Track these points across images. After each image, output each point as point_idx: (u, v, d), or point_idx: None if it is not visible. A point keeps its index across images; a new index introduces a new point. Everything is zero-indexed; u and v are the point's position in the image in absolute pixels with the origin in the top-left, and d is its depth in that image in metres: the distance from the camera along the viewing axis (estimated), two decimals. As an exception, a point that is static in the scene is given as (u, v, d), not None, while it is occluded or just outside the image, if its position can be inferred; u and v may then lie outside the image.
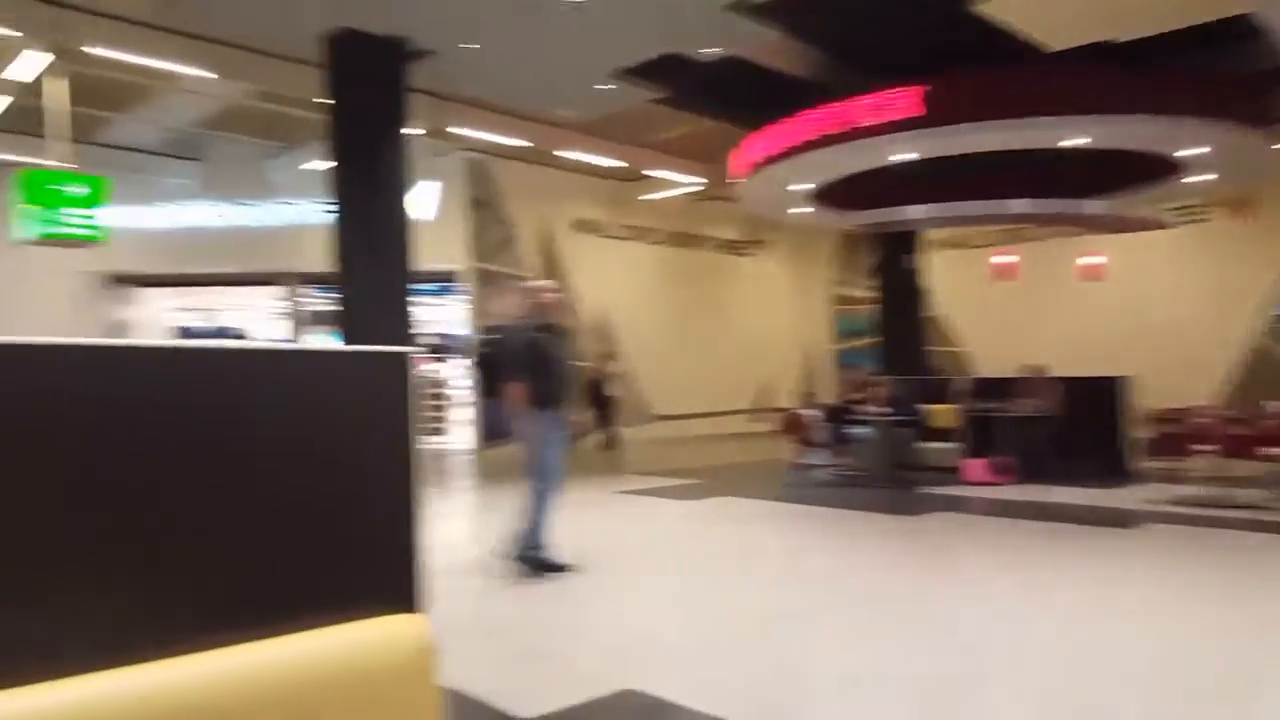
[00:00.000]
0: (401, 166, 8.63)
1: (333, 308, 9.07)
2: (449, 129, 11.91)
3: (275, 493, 1.13)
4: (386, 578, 1.24)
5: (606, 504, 8.43)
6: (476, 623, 4.49)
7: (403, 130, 8.71)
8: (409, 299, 8.62)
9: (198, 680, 0.99)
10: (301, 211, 13.60)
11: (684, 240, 17.36)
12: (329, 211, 8.63)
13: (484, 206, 14.21)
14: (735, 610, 4.63)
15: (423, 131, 10.87)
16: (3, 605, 0.90)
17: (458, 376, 14.16)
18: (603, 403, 13.73)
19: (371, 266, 8.43)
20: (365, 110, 8.52)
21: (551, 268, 14.81)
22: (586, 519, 5.47)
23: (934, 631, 4.18)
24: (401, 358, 1.25)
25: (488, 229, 14.27)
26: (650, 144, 13.83)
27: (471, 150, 13.60)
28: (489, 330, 5.98)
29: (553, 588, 5.15)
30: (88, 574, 0.96)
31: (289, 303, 14.52)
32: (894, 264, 14.79)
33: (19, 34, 8.49)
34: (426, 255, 9.15)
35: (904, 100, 9.44)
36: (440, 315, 14.27)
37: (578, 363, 5.60)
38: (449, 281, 13.82)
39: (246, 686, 1.03)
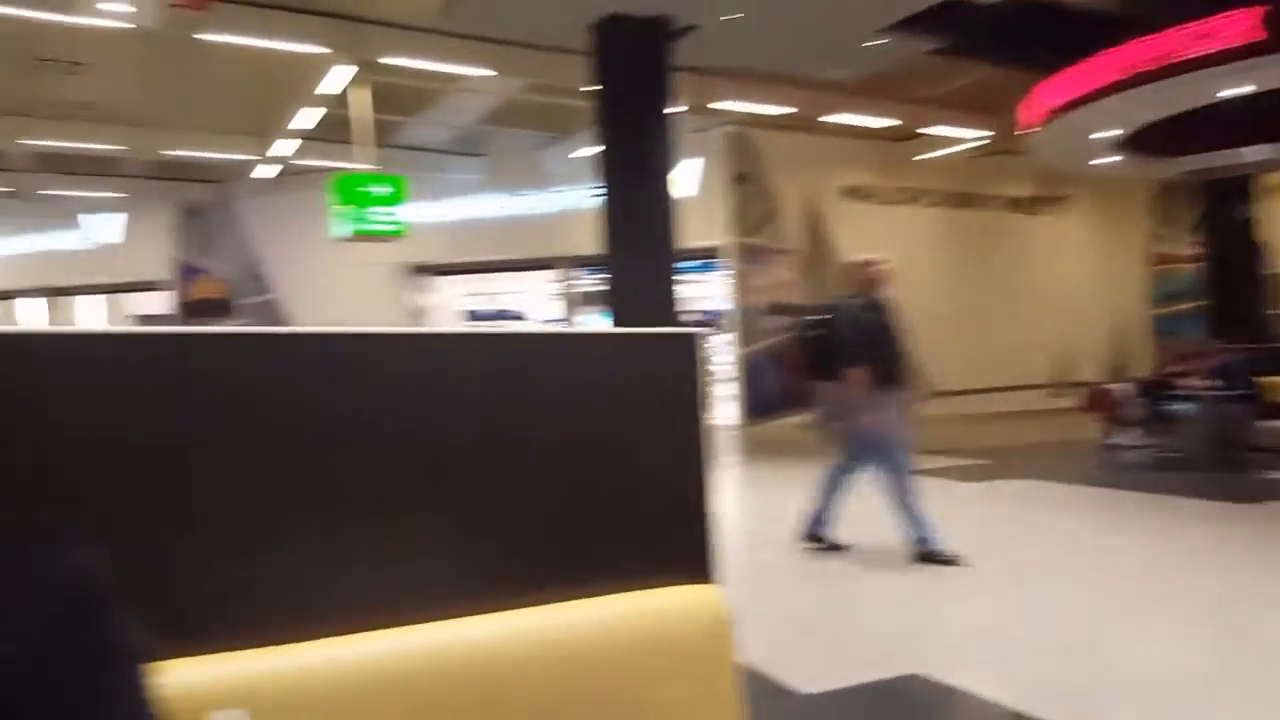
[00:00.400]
0: (666, 146, 8.90)
1: (601, 288, 9.59)
2: (711, 104, 12.09)
3: (581, 466, 1.25)
4: (682, 549, 1.32)
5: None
6: (760, 597, 4.61)
7: (666, 110, 8.98)
8: (674, 277, 8.90)
9: (514, 633, 1.13)
10: (573, 197, 14.46)
11: (966, 201, 16.39)
12: (597, 196, 9.11)
13: (746, 180, 14.30)
14: (1035, 600, 4.39)
15: (685, 109, 11.13)
16: (369, 562, 1.07)
17: (721, 353, 14.45)
18: None
19: (637, 247, 8.79)
20: (630, 93, 8.87)
21: (818, 238, 14.63)
22: (869, 499, 5.41)
23: (1271, 637, 3.70)
24: (692, 338, 1.33)
25: (750, 203, 14.36)
26: (926, 99, 13.18)
27: (733, 124, 13.73)
28: (815, 310, 5.94)
29: (840, 567, 5.16)
30: (428, 539, 1.13)
31: (562, 285, 15.54)
32: (1224, 215, 13.06)
33: (329, 50, 9.73)
34: (689, 232, 9.39)
35: (1237, 25, 8.28)
36: (703, 292, 14.62)
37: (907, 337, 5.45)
38: (711, 258, 14.10)
39: (555, 642, 1.16)
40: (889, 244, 15.14)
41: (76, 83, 10.92)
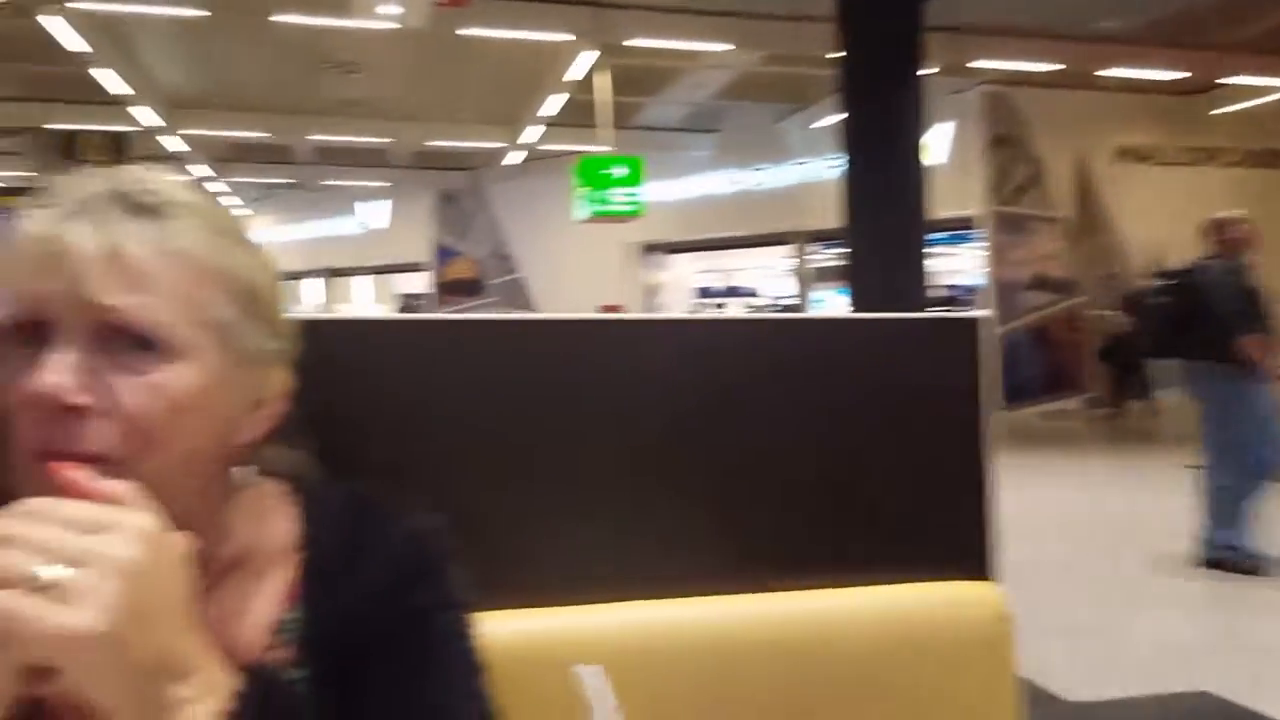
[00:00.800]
0: (915, 111, 8.55)
1: (839, 263, 9.39)
2: (968, 63, 11.48)
3: (856, 452, 1.26)
4: (960, 544, 1.31)
5: (1174, 479, 7.55)
6: (1027, 595, 4.36)
7: (917, 73, 8.61)
8: (922, 250, 8.54)
9: (791, 613, 1.17)
10: (810, 170, 14.25)
11: (1273, 159, 14.50)
12: (837, 167, 8.91)
13: (1005, 143, 13.40)
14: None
15: (937, 70, 10.61)
16: (648, 539, 1.15)
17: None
18: (1137, 364, 12.23)
19: (881, 219, 8.50)
20: (877, 57, 8.59)
21: (1088, 205, 13.52)
22: (1151, 497, 4.99)
23: None
24: (972, 323, 1.30)
25: (1009, 167, 13.45)
26: (1225, 45, 11.76)
27: (991, 83, 12.92)
28: (1164, 275, 5.52)
29: (1117, 567, 4.80)
30: (701, 520, 1.18)
31: (796, 261, 15.37)
32: None
33: (573, 37, 10.17)
34: (939, 202, 8.97)
35: None
36: (954, 265, 13.94)
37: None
38: (964, 229, 13.39)
39: (829, 623, 1.19)
40: (1174, 209, 13.75)
41: (352, 82, 12.15)
